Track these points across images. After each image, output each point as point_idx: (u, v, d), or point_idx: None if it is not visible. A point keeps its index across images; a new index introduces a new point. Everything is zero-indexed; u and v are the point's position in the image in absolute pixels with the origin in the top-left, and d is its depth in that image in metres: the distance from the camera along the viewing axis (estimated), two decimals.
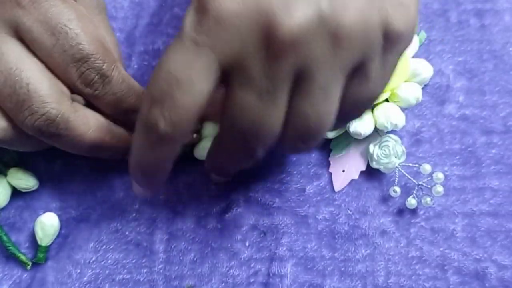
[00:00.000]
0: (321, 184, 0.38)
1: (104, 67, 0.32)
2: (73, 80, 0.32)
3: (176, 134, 0.27)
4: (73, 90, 0.33)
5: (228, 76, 0.26)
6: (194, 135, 0.37)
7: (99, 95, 0.33)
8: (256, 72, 0.25)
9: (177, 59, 0.26)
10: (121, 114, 0.34)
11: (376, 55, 0.27)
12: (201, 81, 0.26)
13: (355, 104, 0.28)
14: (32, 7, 0.31)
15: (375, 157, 0.37)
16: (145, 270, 0.37)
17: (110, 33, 0.36)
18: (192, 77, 0.25)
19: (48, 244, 0.37)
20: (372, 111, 0.37)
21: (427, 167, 0.37)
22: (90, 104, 0.34)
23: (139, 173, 0.30)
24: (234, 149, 0.29)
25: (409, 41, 0.28)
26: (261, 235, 0.37)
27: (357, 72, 0.27)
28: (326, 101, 0.27)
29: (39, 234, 0.37)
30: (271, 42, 0.25)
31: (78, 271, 0.37)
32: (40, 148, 0.35)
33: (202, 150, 0.37)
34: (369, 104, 0.29)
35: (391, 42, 0.27)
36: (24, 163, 0.38)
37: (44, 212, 0.37)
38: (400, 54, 0.28)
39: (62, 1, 0.32)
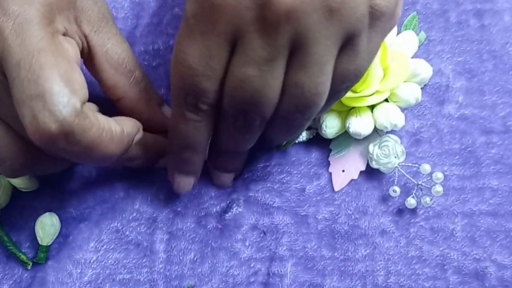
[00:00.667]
0: (321, 184, 0.38)
1: (63, 112, 0.27)
2: (26, 126, 0.27)
3: (213, 109, 0.31)
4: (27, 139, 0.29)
5: (233, 52, 0.29)
6: None
7: (59, 148, 0.28)
8: (255, 45, 0.27)
9: (193, 53, 0.28)
10: (93, 162, 0.30)
11: (363, 30, 0.29)
12: (218, 65, 0.29)
13: (343, 79, 0.30)
14: (12, 34, 0.27)
15: (375, 157, 0.37)
16: (145, 270, 0.37)
17: (121, 42, 0.34)
18: (211, 65, 0.29)
19: (49, 243, 0.37)
20: (372, 111, 0.37)
21: (426, 167, 0.37)
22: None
23: (184, 156, 0.34)
24: (235, 124, 0.31)
25: (392, 20, 0.30)
26: (261, 235, 0.38)
27: (347, 46, 0.29)
28: (321, 71, 0.29)
29: (39, 234, 0.37)
30: (267, 15, 0.27)
31: (79, 270, 0.37)
32: (59, 169, 0.34)
33: None
34: (355, 79, 0.31)
35: (376, 19, 0.29)
36: None
37: (45, 212, 0.37)
38: (383, 34, 0.30)
39: (43, 27, 0.28)
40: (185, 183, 0.36)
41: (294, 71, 0.29)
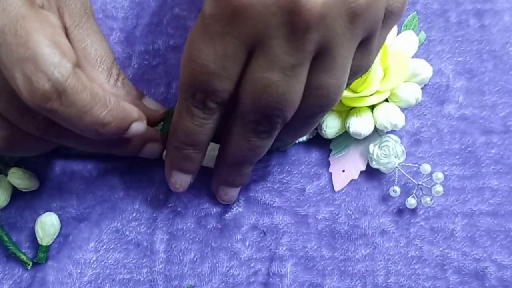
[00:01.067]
0: (321, 184, 0.38)
1: (55, 73, 0.27)
2: (19, 88, 0.27)
3: (220, 109, 0.31)
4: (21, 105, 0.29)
5: (251, 56, 0.28)
6: None
7: (53, 108, 0.28)
8: (279, 50, 0.27)
9: (208, 52, 0.28)
10: (86, 130, 0.29)
11: (377, 30, 0.29)
12: (233, 67, 0.28)
13: (354, 73, 0.31)
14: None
15: (375, 157, 0.37)
16: (145, 270, 0.37)
17: (100, 40, 0.34)
18: (225, 66, 0.28)
19: (49, 243, 0.37)
20: (372, 111, 0.37)
21: (426, 167, 0.37)
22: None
23: (184, 153, 0.33)
24: (257, 129, 0.31)
25: (400, 17, 0.31)
26: (261, 235, 0.38)
27: (361, 45, 0.29)
28: (345, 71, 0.29)
29: (39, 234, 0.37)
30: (295, 21, 0.27)
31: (79, 270, 0.37)
32: (43, 151, 0.35)
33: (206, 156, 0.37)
34: (364, 72, 0.32)
35: (388, 18, 0.30)
36: (25, 163, 0.38)
37: (45, 211, 0.37)
38: (390, 29, 0.31)
39: (30, 3, 0.28)
40: (182, 180, 0.35)
41: (318, 74, 0.29)
